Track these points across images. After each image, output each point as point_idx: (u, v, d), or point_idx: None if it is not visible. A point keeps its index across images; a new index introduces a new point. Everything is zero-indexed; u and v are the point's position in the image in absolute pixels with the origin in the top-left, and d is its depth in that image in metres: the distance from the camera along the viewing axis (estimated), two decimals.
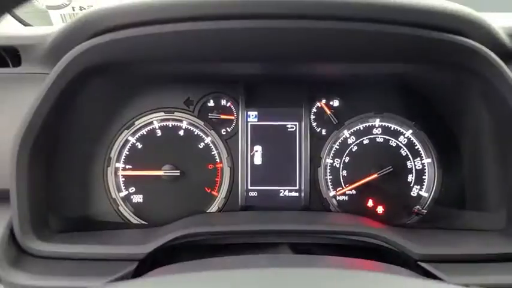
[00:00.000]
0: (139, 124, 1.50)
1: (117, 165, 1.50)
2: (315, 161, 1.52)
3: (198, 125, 1.52)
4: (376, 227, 1.22)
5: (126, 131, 1.50)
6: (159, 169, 1.48)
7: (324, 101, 1.54)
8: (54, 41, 1.14)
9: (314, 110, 1.54)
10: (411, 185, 1.52)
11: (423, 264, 1.04)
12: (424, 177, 1.52)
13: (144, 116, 1.51)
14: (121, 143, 1.50)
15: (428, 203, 1.50)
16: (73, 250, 1.10)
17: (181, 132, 1.52)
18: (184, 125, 1.52)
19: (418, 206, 1.48)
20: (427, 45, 1.06)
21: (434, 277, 0.99)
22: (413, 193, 1.52)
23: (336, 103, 1.54)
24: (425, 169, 1.52)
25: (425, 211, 1.44)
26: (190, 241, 1.14)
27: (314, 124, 1.53)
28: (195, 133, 1.52)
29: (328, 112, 1.52)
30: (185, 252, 1.14)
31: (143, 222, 1.49)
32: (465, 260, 1.05)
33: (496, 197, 1.25)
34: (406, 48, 1.08)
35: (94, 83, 1.22)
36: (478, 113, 1.25)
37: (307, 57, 1.15)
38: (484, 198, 1.30)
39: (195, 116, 1.52)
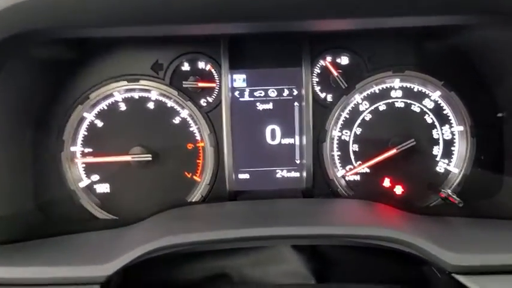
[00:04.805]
0: (96, 97, 1.29)
1: (73, 149, 1.31)
2: (319, 134, 1.33)
3: (171, 96, 1.31)
4: (396, 221, 1.09)
5: (80, 106, 1.29)
6: (127, 153, 1.29)
7: (329, 59, 1.33)
8: None
9: (317, 70, 1.34)
10: (437, 158, 1.34)
11: (459, 278, 0.90)
12: (453, 149, 1.33)
13: (101, 87, 1.29)
14: (75, 122, 1.30)
15: (458, 181, 1.33)
16: (12, 275, 0.92)
17: (150, 105, 1.32)
18: (153, 95, 1.31)
19: (448, 190, 1.28)
20: None
21: None
22: (440, 169, 1.34)
23: (344, 60, 1.34)
24: (455, 139, 1.33)
25: (458, 200, 1.21)
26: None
27: (317, 88, 1.34)
28: (168, 106, 1.32)
29: (335, 73, 1.31)
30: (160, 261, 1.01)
31: (112, 216, 1.32)
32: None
33: None
34: None
35: (19, 54, 1.01)
36: None
37: (313, 13, 0.89)
38: None
39: (166, 85, 1.31)
